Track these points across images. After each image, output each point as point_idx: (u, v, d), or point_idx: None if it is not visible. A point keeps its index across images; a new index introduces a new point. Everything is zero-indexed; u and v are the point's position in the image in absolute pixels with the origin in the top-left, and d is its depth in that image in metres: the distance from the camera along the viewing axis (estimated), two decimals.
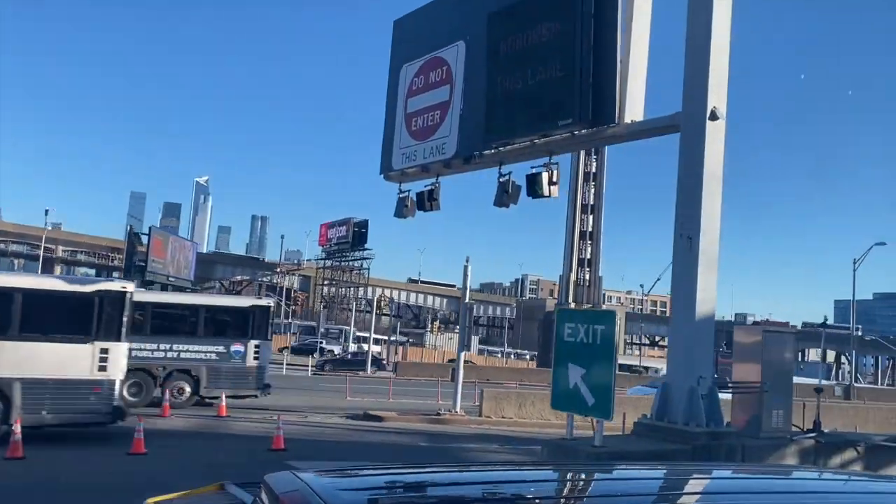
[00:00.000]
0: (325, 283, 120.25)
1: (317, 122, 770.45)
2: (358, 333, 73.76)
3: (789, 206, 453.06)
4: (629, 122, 12.36)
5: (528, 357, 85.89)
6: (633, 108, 12.45)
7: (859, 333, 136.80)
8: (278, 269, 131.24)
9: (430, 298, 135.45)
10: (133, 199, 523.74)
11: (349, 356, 56.34)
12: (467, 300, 24.56)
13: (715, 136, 11.23)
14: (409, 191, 17.17)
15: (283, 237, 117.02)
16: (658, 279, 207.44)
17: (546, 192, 13.57)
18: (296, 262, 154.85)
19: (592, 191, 62.20)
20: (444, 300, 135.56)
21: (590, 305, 63.81)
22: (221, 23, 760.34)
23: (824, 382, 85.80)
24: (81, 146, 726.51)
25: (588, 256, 61.65)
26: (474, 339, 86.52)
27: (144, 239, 74.99)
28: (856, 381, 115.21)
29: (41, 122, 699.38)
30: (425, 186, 16.64)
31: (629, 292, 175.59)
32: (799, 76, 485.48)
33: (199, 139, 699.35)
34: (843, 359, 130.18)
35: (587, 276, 62.10)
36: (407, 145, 16.80)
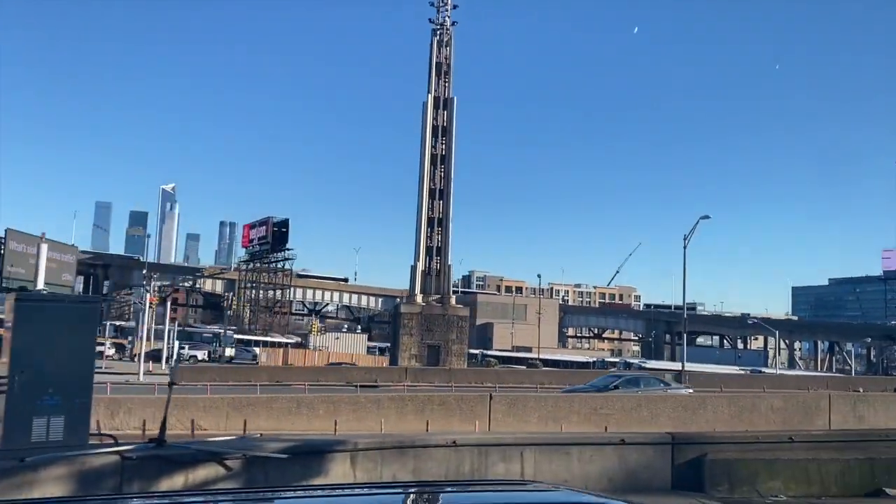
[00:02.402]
0: (250, 285, 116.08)
1: (285, 125, 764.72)
2: (238, 336, 69.87)
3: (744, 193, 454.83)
4: None
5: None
6: None
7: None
8: (200, 273, 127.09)
9: (364, 299, 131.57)
10: (98, 209, 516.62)
11: None
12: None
13: None
14: None
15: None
16: (617, 272, 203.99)
17: None
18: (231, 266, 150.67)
19: (441, 174, 58.96)
20: (380, 300, 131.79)
21: (438, 296, 60.47)
22: (188, 23, 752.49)
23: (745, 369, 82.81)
24: (44, 155, 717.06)
25: (438, 244, 58.41)
26: (362, 338, 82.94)
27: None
28: (791, 368, 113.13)
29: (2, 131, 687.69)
30: None
31: (578, 285, 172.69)
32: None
33: (165, 146, 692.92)
34: (784, 345, 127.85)
35: (437, 265, 58.71)
36: None
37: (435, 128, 55.39)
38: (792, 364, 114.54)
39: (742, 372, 78.06)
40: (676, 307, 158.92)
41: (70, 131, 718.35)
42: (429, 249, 54.89)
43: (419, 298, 55.00)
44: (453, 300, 56.42)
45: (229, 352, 65.77)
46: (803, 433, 12.47)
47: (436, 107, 55.66)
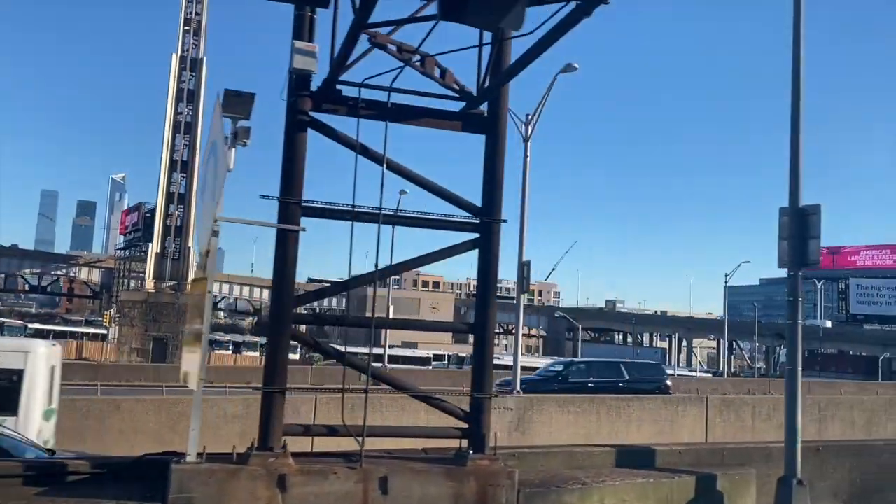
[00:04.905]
0: (126, 275, 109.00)
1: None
2: (36, 326, 63.36)
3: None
4: None
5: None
6: None
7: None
8: (74, 262, 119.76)
9: (257, 291, 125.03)
10: (44, 198, 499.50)
11: None
12: None
13: None
14: None
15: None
16: (553, 269, 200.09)
17: None
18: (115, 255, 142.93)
19: (185, 143, 52.91)
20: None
21: (174, 282, 54.57)
22: (141, 20, 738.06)
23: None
24: None
25: (178, 223, 52.31)
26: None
27: None
28: (689, 366, 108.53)
29: None
30: None
31: (499, 282, 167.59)
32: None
33: (115, 134, 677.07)
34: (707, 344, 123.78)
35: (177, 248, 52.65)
36: None
37: (180, 91, 49.23)
38: (689, 362, 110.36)
39: None
40: (601, 307, 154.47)
41: (13, 117, 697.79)
42: (167, 229, 48.78)
43: (150, 284, 49.04)
44: (191, 287, 50.42)
45: None
46: None
47: (182, 67, 49.50)
